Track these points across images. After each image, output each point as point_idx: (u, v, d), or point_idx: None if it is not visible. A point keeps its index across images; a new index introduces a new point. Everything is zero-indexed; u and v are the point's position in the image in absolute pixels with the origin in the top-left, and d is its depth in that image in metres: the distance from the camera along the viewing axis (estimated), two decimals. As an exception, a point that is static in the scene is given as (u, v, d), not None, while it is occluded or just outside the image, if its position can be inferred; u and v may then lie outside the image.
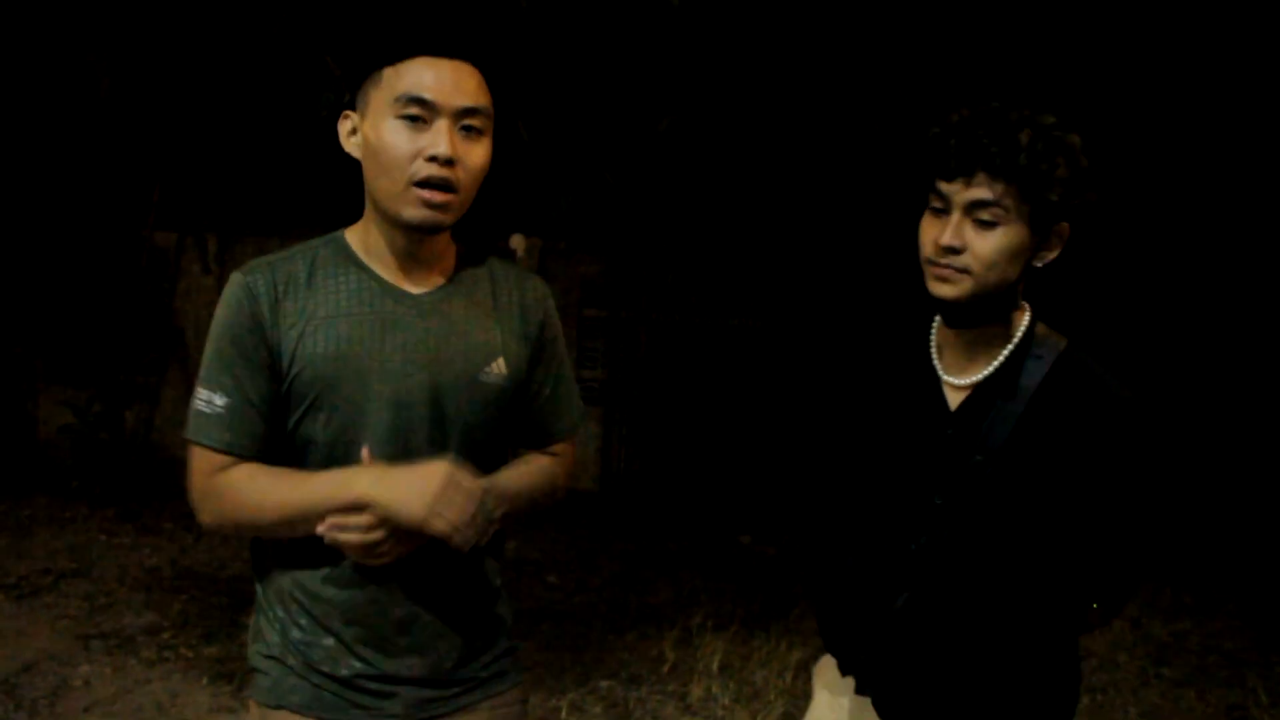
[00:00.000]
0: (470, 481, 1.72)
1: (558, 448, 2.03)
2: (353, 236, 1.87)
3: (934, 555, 1.81)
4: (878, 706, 1.89)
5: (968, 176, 1.72)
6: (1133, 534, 1.83)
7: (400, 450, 1.79)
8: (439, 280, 1.86)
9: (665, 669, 4.87)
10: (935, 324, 1.93)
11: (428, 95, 1.73)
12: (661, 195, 7.29)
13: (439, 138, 1.73)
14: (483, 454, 1.87)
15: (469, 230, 1.98)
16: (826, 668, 2.03)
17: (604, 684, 4.71)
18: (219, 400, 1.77)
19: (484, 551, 1.90)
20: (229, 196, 7.61)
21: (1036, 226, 1.74)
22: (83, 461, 7.29)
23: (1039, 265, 1.79)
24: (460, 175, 1.76)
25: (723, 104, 6.84)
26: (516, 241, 7.54)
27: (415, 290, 1.84)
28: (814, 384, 1.87)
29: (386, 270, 1.83)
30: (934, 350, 1.91)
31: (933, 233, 1.76)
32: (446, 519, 1.69)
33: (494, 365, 1.86)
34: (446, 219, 1.78)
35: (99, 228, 7.70)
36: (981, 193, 1.71)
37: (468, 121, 1.76)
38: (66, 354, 7.75)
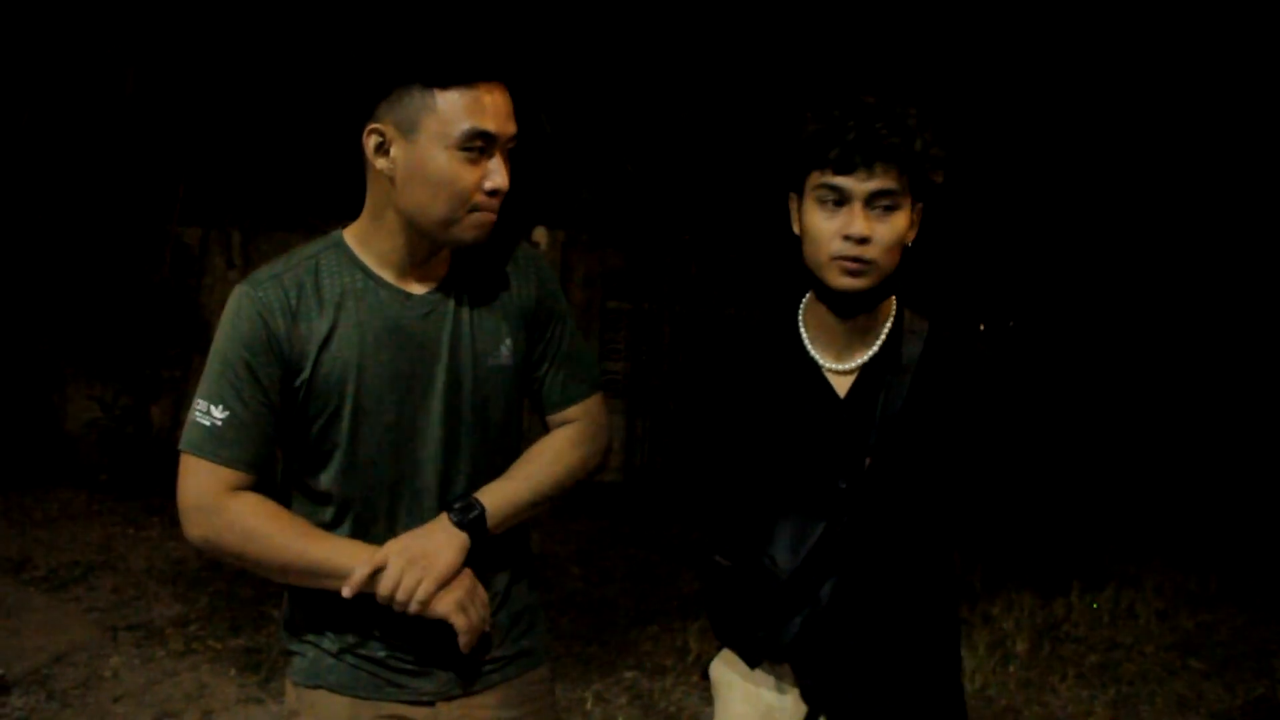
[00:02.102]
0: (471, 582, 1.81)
1: (576, 410, 2.02)
2: (353, 240, 1.86)
3: (851, 537, 1.86)
4: (808, 692, 1.92)
5: (869, 168, 1.77)
6: (990, 463, 1.92)
7: (419, 448, 1.83)
8: (439, 276, 1.87)
9: (690, 659, 4.88)
10: (802, 314, 1.98)
11: (491, 128, 1.74)
12: (684, 187, 7.29)
13: (499, 171, 1.76)
14: (498, 438, 1.90)
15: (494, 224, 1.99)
16: (727, 665, 2.04)
17: (628, 674, 4.72)
18: (219, 413, 1.76)
19: (511, 534, 1.92)
20: (253, 191, 7.65)
21: (913, 208, 1.84)
22: (110, 455, 7.35)
23: (909, 244, 1.86)
24: (500, 201, 1.81)
25: (745, 96, 6.83)
26: (539, 235, 7.55)
27: (420, 291, 1.85)
28: (698, 387, 1.88)
29: (392, 274, 1.84)
30: (807, 340, 1.95)
31: (833, 226, 1.80)
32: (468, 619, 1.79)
33: (503, 348, 1.89)
34: (488, 235, 1.81)
35: (125, 224, 7.75)
36: (883, 182, 1.77)
37: (510, 147, 1.79)
38: (93, 349, 7.81)
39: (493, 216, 1.79)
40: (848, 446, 1.87)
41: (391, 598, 1.74)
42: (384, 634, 1.85)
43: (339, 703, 1.87)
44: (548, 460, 1.95)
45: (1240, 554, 6.43)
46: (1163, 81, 6.84)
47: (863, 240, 1.78)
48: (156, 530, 6.51)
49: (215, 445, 1.77)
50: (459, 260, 1.90)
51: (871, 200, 1.78)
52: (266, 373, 1.77)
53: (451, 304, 1.86)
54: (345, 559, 1.77)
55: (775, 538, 1.88)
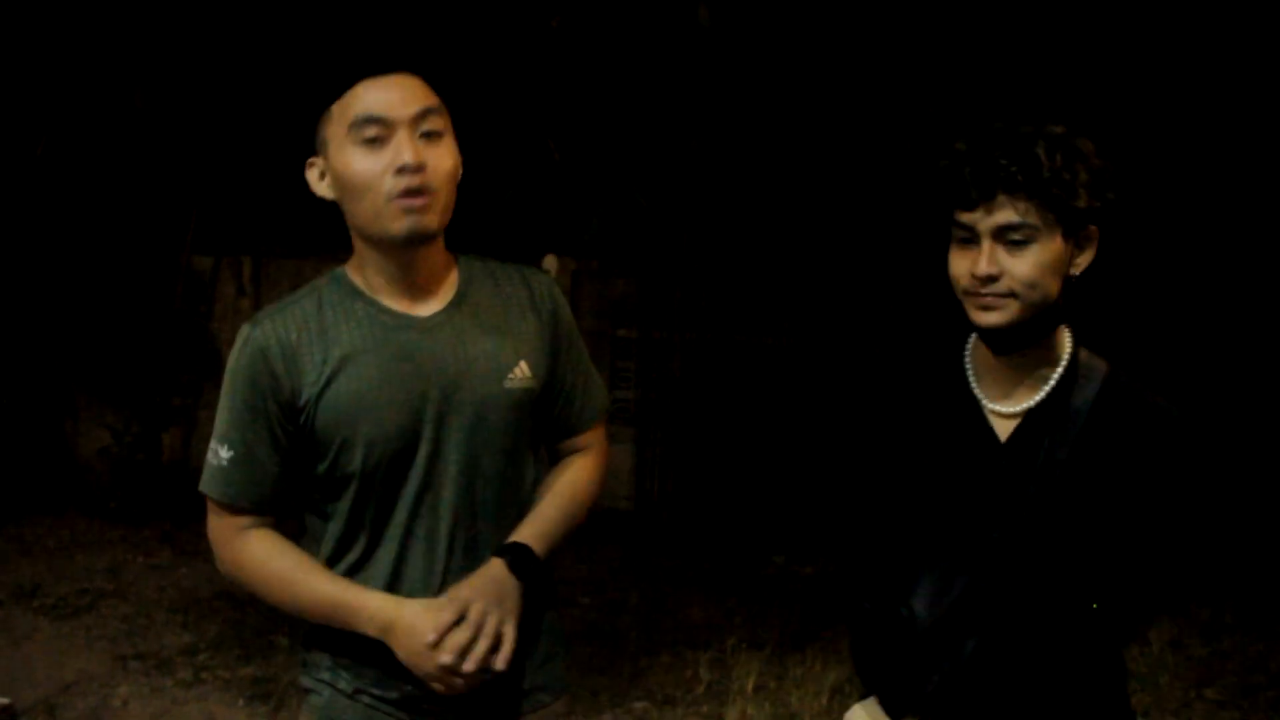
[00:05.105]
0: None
1: (588, 436, 2.03)
2: (352, 270, 1.87)
3: (997, 592, 1.77)
4: None
5: (989, 201, 1.68)
6: (1176, 547, 1.80)
7: (435, 472, 1.82)
8: (445, 298, 1.86)
9: (700, 690, 4.85)
10: (969, 350, 1.89)
11: (378, 112, 1.74)
12: (693, 214, 7.30)
13: (402, 148, 1.73)
14: (514, 460, 1.89)
15: (501, 253, 1.99)
16: (868, 714, 1.96)
17: (639, 705, 4.70)
18: (224, 453, 1.81)
19: (538, 567, 1.90)
20: (264, 220, 7.68)
21: (1068, 235, 1.71)
22: (120, 483, 7.36)
23: (1076, 274, 1.74)
24: (432, 179, 1.76)
25: (754, 122, 6.85)
26: (549, 263, 7.57)
27: (424, 314, 1.84)
28: (851, 417, 1.80)
29: (391, 299, 1.84)
30: (972, 377, 1.85)
31: (964, 264, 1.72)
32: (446, 684, 1.76)
33: (517, 370, 1.87)
34: (431, 222, 1.77)
35: (136, 252, 7.79)
36: (1007, 215, 1.67)
37: (425, 127, 1.77)
38: (104, 377, 7.83)
39: (422, 200, 1.75)
40: (1003, 495, 1.77)
41: (470, 640, 1.74)
42: (399, 674, 1.82)
43: None
44: (572, 494, 1.96)
45: (1254, 582, 6.37)
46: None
47: (990, 279, 1.69)
48: (166, 559, 6.50)
49: (223, 485, 1.82)
50: (467, 282, 1.89)
51: (1000, 234, 1.68)
52: (266, 411, 1.79)
53: (459, 325, 1.85)
54: (351, 600, 1.79)
55: (917, 586, 1.78)
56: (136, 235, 7.75)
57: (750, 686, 4.80)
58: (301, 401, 1.79)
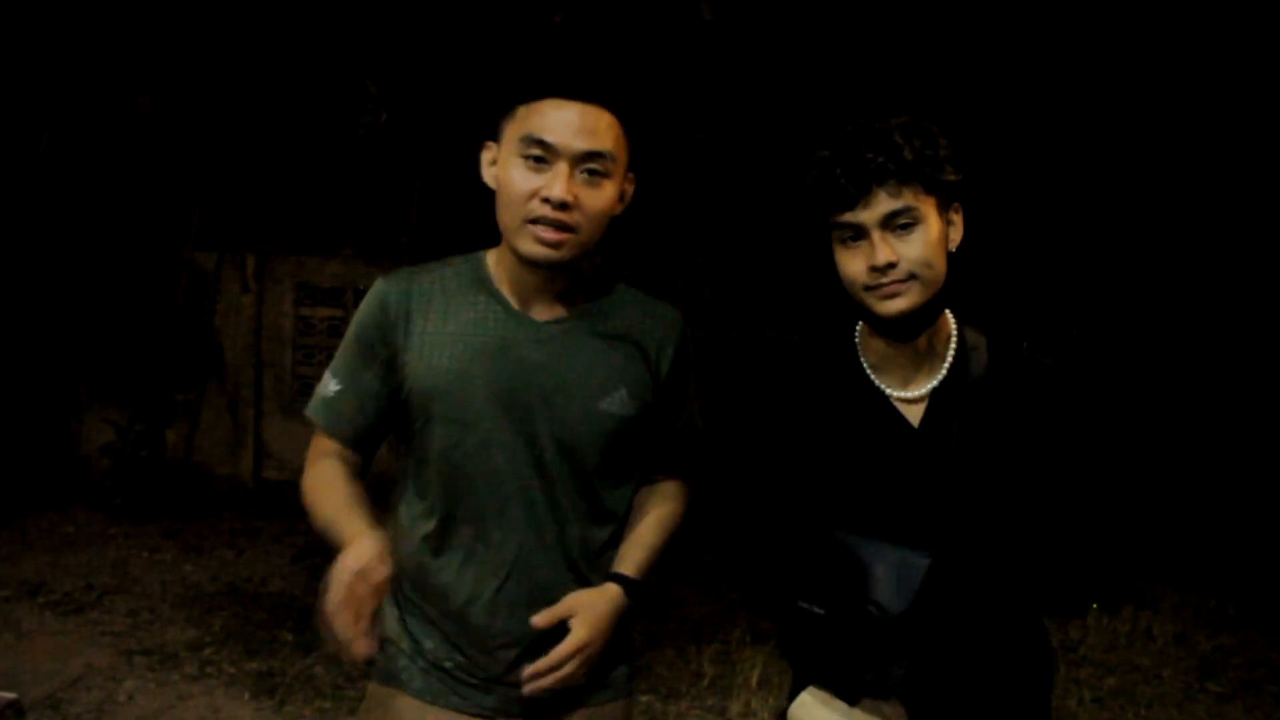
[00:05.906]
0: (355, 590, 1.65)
1: (676, 480, 2.09)
2: (491, 259, 1.92)
3: (959, 571, 1.80)
4: (914, 712, 1.87)
5: (866, 196, 1.74)
6: (1081, 493, 1.87)
7: (509, 468, 1.85)
8: (565, 310, 1.90)
9: (704, 684, 4.86)
10: (859, 343, 1.93)
11: (549, 138, 1.77)
12: (697, 209, 7.29)
13: (555, 181, 1.76)
14: (595, 479, 1.91)
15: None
16: (815, 703, 1.96)
17: (643, 699, 4.70)
18: (333, 385, 1.93)
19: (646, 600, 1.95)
20: (268, 216, 7.68)
21: (941, 212, 1.79)
22: (124, 479, 7.36)
23: (953, 250, 1.82)
24: (578, 217, 1.78)
25: (758, 116, 6.84)
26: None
27: (540, 318, 1.88)
28: (759, 425, 1.81)
29: (514, 296, 1.88)
30: (869, 370, 1.90)
31: (858, 262, 1.77)
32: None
33: (616, 395, 1.89)
34: (560, 256, 1.80)
35: (139, 248, 7.79)
36: (889, 204, 1.74)
37: (590, 166, 1.79)
38: (108, 373, 7.83)
39: (560, 235, 1.78)
40: (928, 478, 1.82)
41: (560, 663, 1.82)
42: (453, 646, 1.89)
43: (409, 704, 1.92)
44: (671, 525, 2.04)
45: (1259, 575, 6.38)
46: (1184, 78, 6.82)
47: (889, 266, 1.74)
48: (171, 554, 6.51)
49: (322, 411, 1.94)
50: (593, 300, 1.93)
51: (887, 223, 1.75)
52: (375, 359, 1.88)
53: (570, 339, 1.88)
54: (342, 525, 1.78)
55: (874, 580, 1.80)
56: (139, 232, 7.75)
57: (754, 679, 4.81)
58: (407, 361, 1.86)
